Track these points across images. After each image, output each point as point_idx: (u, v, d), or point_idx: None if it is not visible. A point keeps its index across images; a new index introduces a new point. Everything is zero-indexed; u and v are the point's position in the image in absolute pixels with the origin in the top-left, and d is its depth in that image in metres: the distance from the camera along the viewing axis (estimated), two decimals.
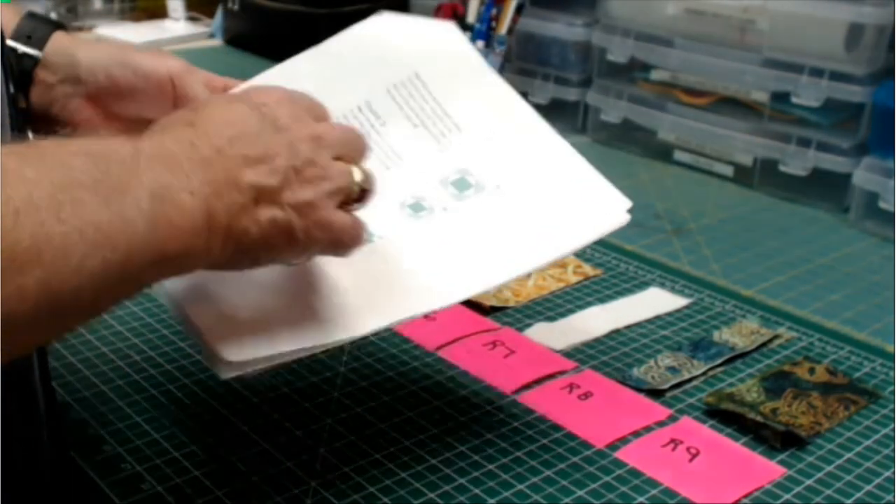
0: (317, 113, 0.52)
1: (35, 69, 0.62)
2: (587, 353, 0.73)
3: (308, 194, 0.49)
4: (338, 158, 0.51)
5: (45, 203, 0.37)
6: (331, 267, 0.55)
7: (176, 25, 1.81)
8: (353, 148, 0.52)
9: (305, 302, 0.54)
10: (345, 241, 0.51)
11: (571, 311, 0.80)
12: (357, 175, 0.52)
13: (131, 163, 0.42)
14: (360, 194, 0.52)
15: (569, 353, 0.73)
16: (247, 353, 0.51)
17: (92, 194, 0.39)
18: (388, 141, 0.63)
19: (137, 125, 0.57)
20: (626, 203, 0.62)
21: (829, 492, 0.59)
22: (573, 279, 0.85)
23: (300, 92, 0.53)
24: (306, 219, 0.49)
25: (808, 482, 0.59)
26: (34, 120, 0.63)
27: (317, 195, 0.49)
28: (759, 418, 0.64)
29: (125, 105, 0.64)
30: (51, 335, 0.45)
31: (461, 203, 0.61)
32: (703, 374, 0.71)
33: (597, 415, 0.65)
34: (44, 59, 0.63)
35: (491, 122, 0.64)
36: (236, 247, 0.47)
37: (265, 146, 0.48)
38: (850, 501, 0.58)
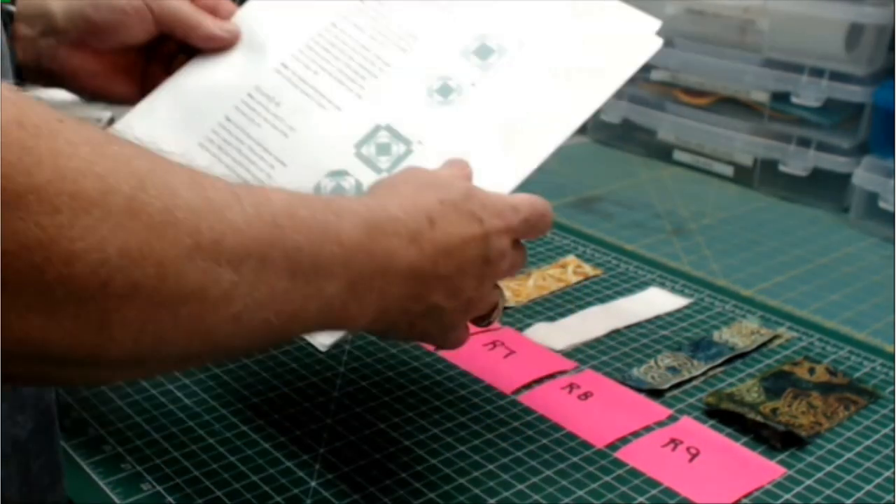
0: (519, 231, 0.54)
1: (13, 25, 0.61)
2: (587, 353, 0.73)
3: (464, 319, 0.54)
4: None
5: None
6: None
7: None
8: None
9: None
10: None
11: (571, 311, 0.80)
12: (503, 300, 0.56)
13: (343, 249, 0.43)
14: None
15: (569, 353, 0.73)
16: None
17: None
18: (398, 21, 0.60)
19: (126, 53, 0.62)
20: (656, 24, 0.59)
21: (829, 492, 0.59)
22: (573, 279, 0.85)
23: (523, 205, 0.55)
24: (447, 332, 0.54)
25: (808, 482, 0.59)
26: (28, 77, 0.62)
27: (468, 317, 0.54)
28: (759, 418, 0.64)
29: (109, 41, 0.62)
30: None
31: (488, 73, 0.58)
32: (703, 374, 0.71)
33: (597, 415, 0.65)
34: (18, 14, 0.61)
35: None
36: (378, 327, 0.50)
37: (466, 281, 0.51)
38: (850, 501, 0.58)
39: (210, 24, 0.61)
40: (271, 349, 0.42)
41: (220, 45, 0.61)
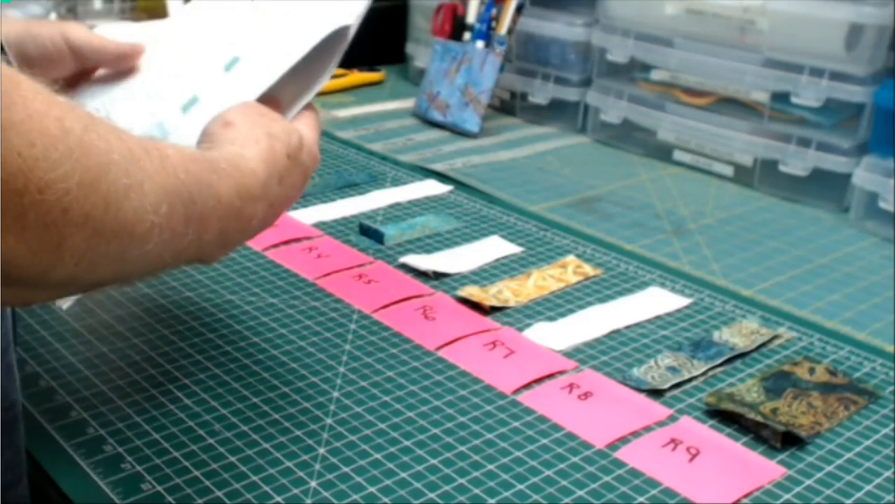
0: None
1: None
2: (587, 353, 0.73)
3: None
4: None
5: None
6: None
7: None
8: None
9: None
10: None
11: (571, 311, 0.80)
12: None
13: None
14: None
15: (569, 353, 0.73)
16: None
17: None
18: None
19: (63, 84, 0.66)
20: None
21: (829, 492, 0.59)
22: (573, 279, 0.85)
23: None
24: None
25: (808, 482, 0.59)
26: None
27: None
28: (759, 418, 0.64)
29: (45, 73, 0.65)
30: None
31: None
32: (703, 374, 0.71)
33: (597, 415, 0.65)
34: None
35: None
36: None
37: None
38: (850, 501, 0.58)
39: (115, 46, 0.67)
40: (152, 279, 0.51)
41: (130, 62, 0.67)
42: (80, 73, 0.67)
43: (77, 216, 0.37)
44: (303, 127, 0.61)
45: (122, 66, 0.67)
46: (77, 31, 0.67)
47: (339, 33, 0.66)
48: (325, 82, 0.68)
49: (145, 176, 0.41)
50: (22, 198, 0.35)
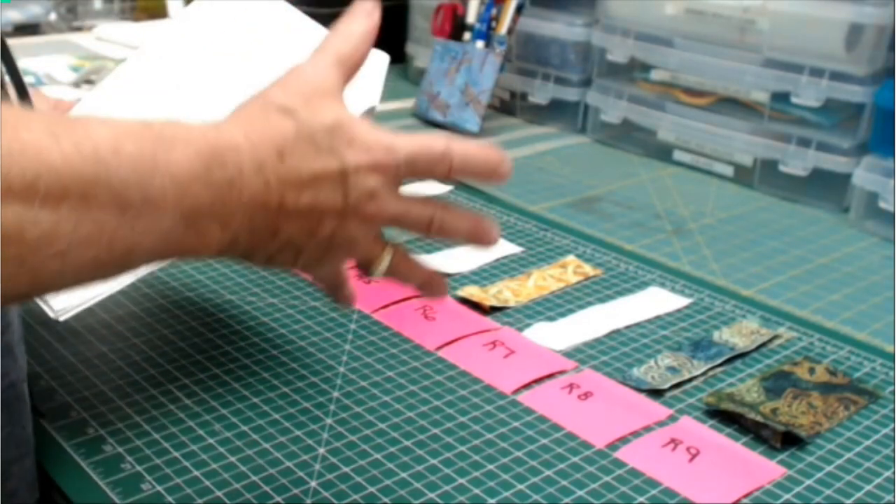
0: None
1: None
2: (587, 353, 0.73)
3: (331, 257, 0.51)
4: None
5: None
6: None
7: None
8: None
9: None
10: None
11: (571, 311, 0.80)
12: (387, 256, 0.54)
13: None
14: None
15: (569, 353, 0.73)
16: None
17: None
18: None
19: None
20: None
21: (829, 492, 0.59)
22: (573, 279, 0.85)
23: None
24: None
25: (808, 482, 0.59)
26: None
27: (338, 257, 0.52)
28: (759, 418, 0.64)
29: None
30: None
31: None
32: (703, 374, 0.71)
33: (597, 415, 0.65)
34: None
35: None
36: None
37: (325, 220, 0.49)
38: (850, 501, 0.58)
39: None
40: (110, 279, 0.44)
41: None
42: None
43: None
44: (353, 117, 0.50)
45: None
46: (38, 95, 0.65)
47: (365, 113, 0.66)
48: None
49: (41, 169, 0.37)
50: None
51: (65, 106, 0.68)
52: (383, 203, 0.51)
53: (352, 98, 0.59)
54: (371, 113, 0.67)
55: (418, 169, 0.52)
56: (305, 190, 0.47)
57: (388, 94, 1.45)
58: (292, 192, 0.47)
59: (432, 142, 0.52)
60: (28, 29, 1.75)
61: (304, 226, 0.48)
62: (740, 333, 0.76)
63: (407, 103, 1.39)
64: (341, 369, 0.69)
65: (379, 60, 0.70)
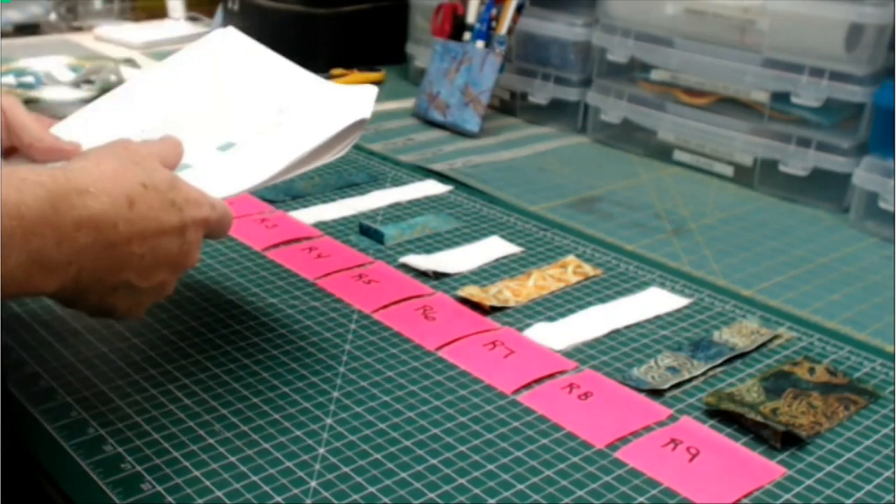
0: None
1: None
2: (587, 353, 0.73)
3: (152, 300, 0.58)
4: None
5: None
6: None
7: (176, 25, 1.81)
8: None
9: None
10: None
11: (571, 311, 0.80)
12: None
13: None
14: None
15: (569, 353, 0.73)
16: None
17: None
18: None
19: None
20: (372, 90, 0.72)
21: (829, 492, 0.59)
22: (573, 279, 0.85)
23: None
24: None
25: (808, 482, 0.59)
26: None
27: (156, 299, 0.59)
28: (759, 418, 0.64)
29: None
30: None
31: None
32: (703, 374, 0.71)
33: (597, 415, 0.65)
34: None
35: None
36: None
37: (160, 266, 0.56)
38: (850, 501, 0.58)
39: (52, 141, 0.65)
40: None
41: (58, 157, 0.64)
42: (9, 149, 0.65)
43: None
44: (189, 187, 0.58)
45: (49, 159, 0.65)
46: (17, 112, 0.65)
47: (355, 124, 0.70)
48: (328, 160, 0.70)
49: None
50: None
51: (46, 122, 0.68)
52: (198, 253, 0.58)
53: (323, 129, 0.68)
54: (349, 146, 0.71)
55: (219, 227, 0.61)
56: (150, 238, 0.53)
57: (388, 94, 1.45)
58: (138, 238, 0.52)
59: (227, 207, 0.61)
60: (28, 29, 1.75)
61: (144, 270, 0.54)
62: (740, 333, 0.76)
63: (407, 103, 1.39)
64: (341, 369, 0.69)
65: (365, 94, 0.73)
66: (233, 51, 0.79)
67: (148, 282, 0.55)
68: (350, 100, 0.72)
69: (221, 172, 0.66)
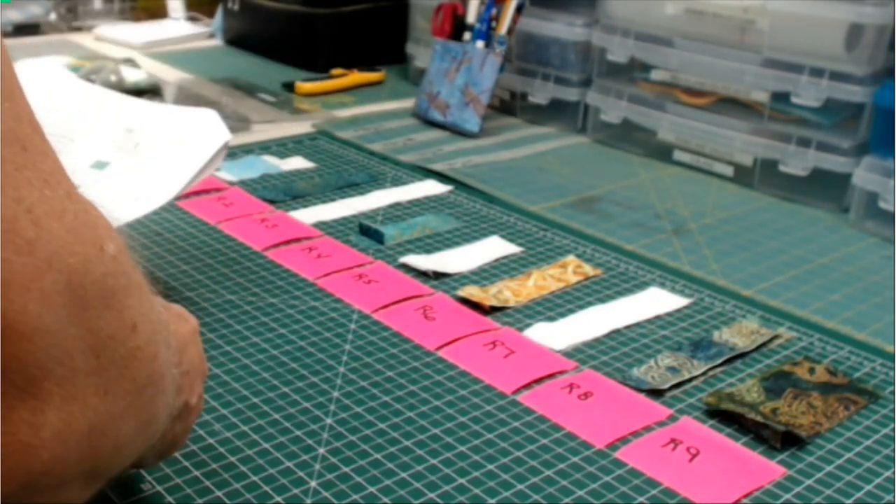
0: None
1: None
2: (587, 353, 0.73)
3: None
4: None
5: None
6: None
7: (176, 25, 1.81)
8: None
9: None
10: None
11: (571, 311, 0.80)
12: None
13: None
14: None
15: (569, 353, 0.73)
16: None
17: None
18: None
19: None
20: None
21: (829, 492, 0.59)
22: (573, 279, 0.85)
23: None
24: None
25: (808, 482, 0.59)
26: None
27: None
28: (759, 418, 0.64)
29: None
30: None
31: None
32: (703, 374, 0.71)
33: (597, 415, 0.65)
34: None
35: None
36: None
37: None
38: (850, 501, 0.58)
39: None
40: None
41: None
42: None
43: None
44: None
45: None
46: None
47: (222, 147, 0.73)
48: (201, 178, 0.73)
49: None
50: None
51: None
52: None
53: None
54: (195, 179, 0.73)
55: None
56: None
57: (388, 94, 1.45)
58: None
59: None
60: (28, 29, 1.75)
61: None
62: (740, 333, 0.76)
63: (407, 103, 1.39)
64: (341, 369, 0.69)
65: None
66: (50, 80, 0.81)
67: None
68: (197, 119, 0.75)
69: (117, 194, 0.68)
